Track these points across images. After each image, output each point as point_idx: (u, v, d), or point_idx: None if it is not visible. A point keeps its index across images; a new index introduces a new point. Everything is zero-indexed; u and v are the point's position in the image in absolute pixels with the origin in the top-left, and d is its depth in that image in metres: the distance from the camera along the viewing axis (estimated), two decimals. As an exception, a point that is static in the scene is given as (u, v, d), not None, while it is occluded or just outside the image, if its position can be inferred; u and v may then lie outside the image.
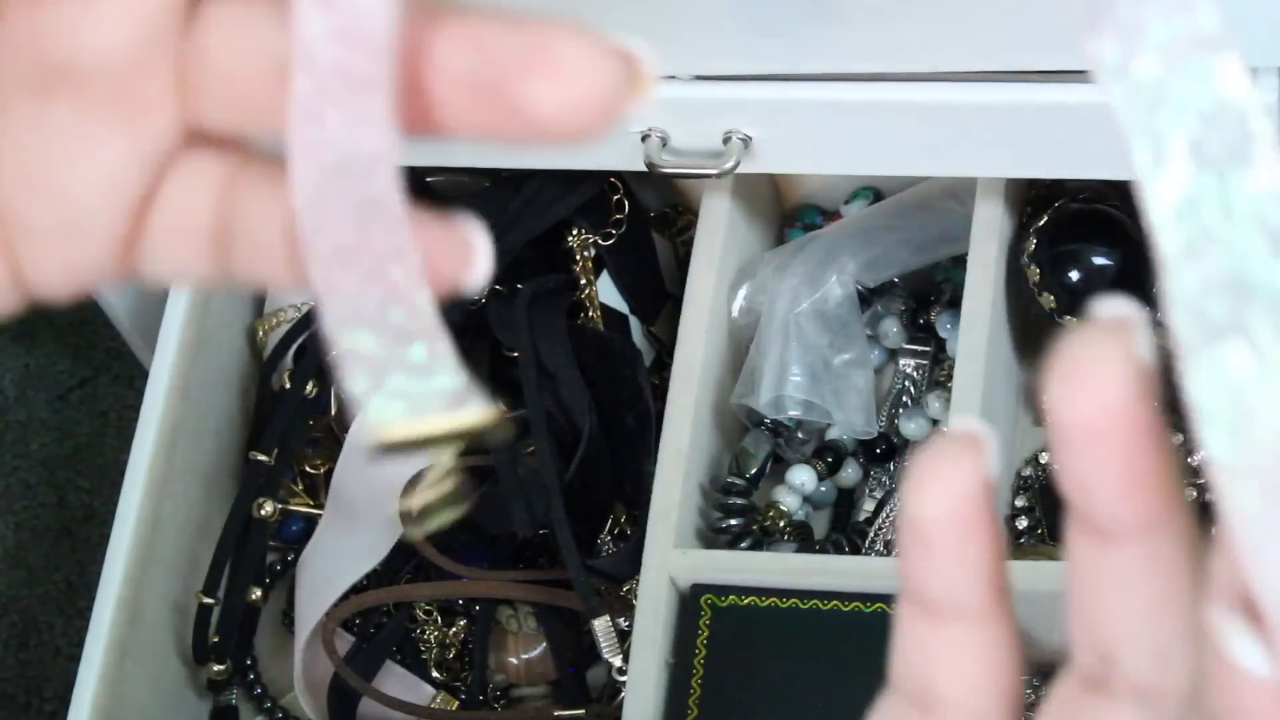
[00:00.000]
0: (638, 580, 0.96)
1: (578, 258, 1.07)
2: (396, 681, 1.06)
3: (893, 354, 1.06)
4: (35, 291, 0.39)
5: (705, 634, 0.95)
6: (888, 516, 1.03)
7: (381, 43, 0.35)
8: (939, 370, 1.05)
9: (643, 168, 0.94)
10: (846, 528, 1.04)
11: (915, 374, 1.06)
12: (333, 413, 1.10)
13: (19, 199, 0.38)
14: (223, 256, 0.38)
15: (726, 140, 0.92)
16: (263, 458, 1.08)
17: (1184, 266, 0.32)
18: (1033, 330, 1.02)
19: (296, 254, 0.36)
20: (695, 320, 0.99)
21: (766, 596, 0.95)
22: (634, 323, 1.09)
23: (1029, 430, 1.02)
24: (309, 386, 1.09)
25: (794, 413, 1.00)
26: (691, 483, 0.97)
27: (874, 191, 1.09)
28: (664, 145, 0.94)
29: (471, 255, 0.37)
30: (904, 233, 1.04)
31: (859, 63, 0.89)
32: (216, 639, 1.06)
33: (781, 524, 1.02)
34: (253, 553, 1.07)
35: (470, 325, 1.04)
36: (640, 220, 1.08)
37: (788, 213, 1.12)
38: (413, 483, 1.03)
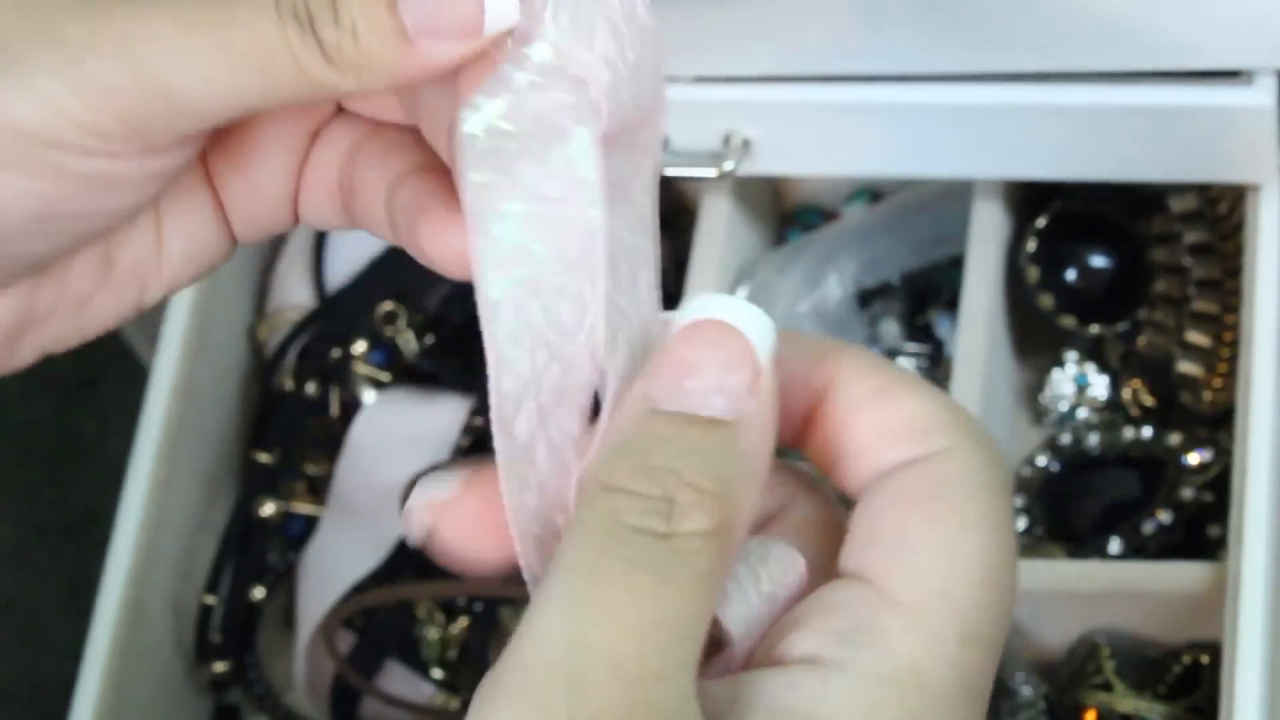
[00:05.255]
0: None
1: (578, 258, 1.07)
2: (398, 680, 1.06)
3: (892, 354, 1.06)
4: (238, 240, 0.48)
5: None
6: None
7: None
8: (937, 371, 1.05)
9: (643, 168, 0.94)
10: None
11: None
12: (334, 413, 1.10)
13: (221, 167, 0.46)
14: (347, 209, 0.47)
15: (726, 141, 0.93)
16: (265, 458, 1.09)
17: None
18: (1031, 331, 1.02)
19: (393, 218, 0.45)
20: (695, 320, 0.99)
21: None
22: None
23: (1028, 430, 1.02)
24: (311, 387, 1.09)
25: (794, 413, 1.00)
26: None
27: (873, 192, 1.09)
28: (664, 146, 0.94)
29: None
30: (903, 233, 1.05)
31: (859, 63, 0.89)
32: (218, 638, 1.07)
33: (781, 523, 1.02)
34: (254, 552, 1.08)
35: (471, 325, 1.04)
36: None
37: (787, 213, 1.12)
38: (413, 483, 1.02)
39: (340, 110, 0.47)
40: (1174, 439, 0.97)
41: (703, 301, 0.41)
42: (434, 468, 1.05)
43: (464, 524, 0.44)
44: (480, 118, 0.41)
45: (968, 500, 0.41)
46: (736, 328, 0.40)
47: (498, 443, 0.42)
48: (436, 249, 0.44)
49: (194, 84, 0.41)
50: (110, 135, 0.41)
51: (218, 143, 0.47)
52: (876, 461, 0.42)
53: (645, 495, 0.39)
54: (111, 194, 0.43)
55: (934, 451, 0.42)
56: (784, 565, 0.42)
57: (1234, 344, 0.95)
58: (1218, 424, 0.97)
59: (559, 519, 0.42)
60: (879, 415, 0.42)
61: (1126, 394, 0.99)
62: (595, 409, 0.42)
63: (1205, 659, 0.91)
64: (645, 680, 0.37)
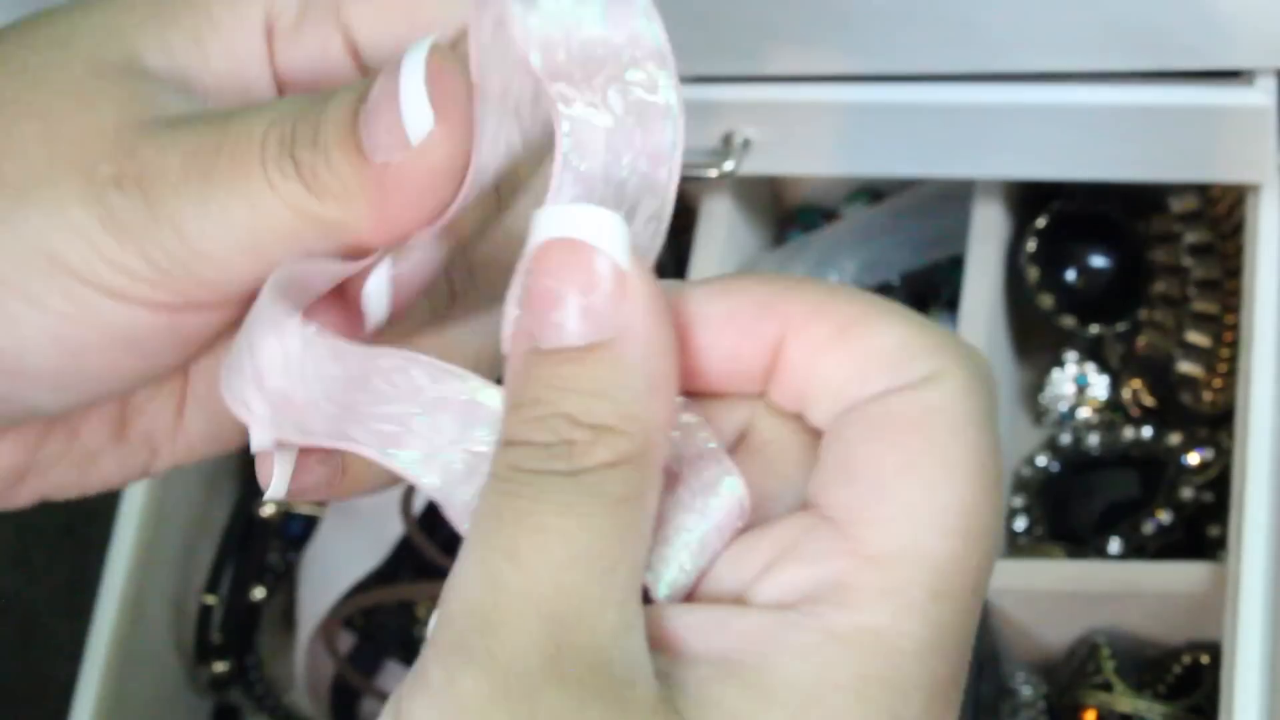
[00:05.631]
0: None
1: (578, 258, 1.07)
2: (398, 680, 1.05)
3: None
4: None
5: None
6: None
7: None
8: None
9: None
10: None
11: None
12: (334, 413, 1.10)
13: None
14: None
15: (726, 141, 0.93)
16: (264, 457, 1.09)
17: None
18: (1031, 331, 1.02)
19: None
20: (695, 320, 0.99)
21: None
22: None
23: (1028, 430, 1.02)
24: (310, 386, 1.09)
25: (794, 412, 1.01)
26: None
27: (873, 192, 1.09)
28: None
29: None
30: (903, 233, 1.05)
31: (859, 63, 0.89)
32: (218, 638, 1.07)
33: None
34: (255, 552, 1.08)
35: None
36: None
37: (787, 213, 1.12)
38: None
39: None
40: (1174, 439, 0.97)
41: (542, 219, 0.39)
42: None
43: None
44: None
45: (950, 436, 0.39)
46: (581, 240, 0.38)
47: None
48: None
49: (195, 219, 0.41)
50: (137, 276, 0.41)
51: None
52: (854, 398, 0.40)
53: (543, 444, 0.38)
54: (133, 352, 0.43)
55: (916, 379, 0.39)
56: (726, 498, 0.40)
57: (1234, 344, 0.95)
58: (1218, 424, 0.97)
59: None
60: (846, 354, 0.40)
61: (1126, 394, 0.99)
62: None
63: (1205, 659, 0.91)
64: (568, 617, 0.36)
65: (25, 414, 0.44)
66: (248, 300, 0.43)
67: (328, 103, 0.41)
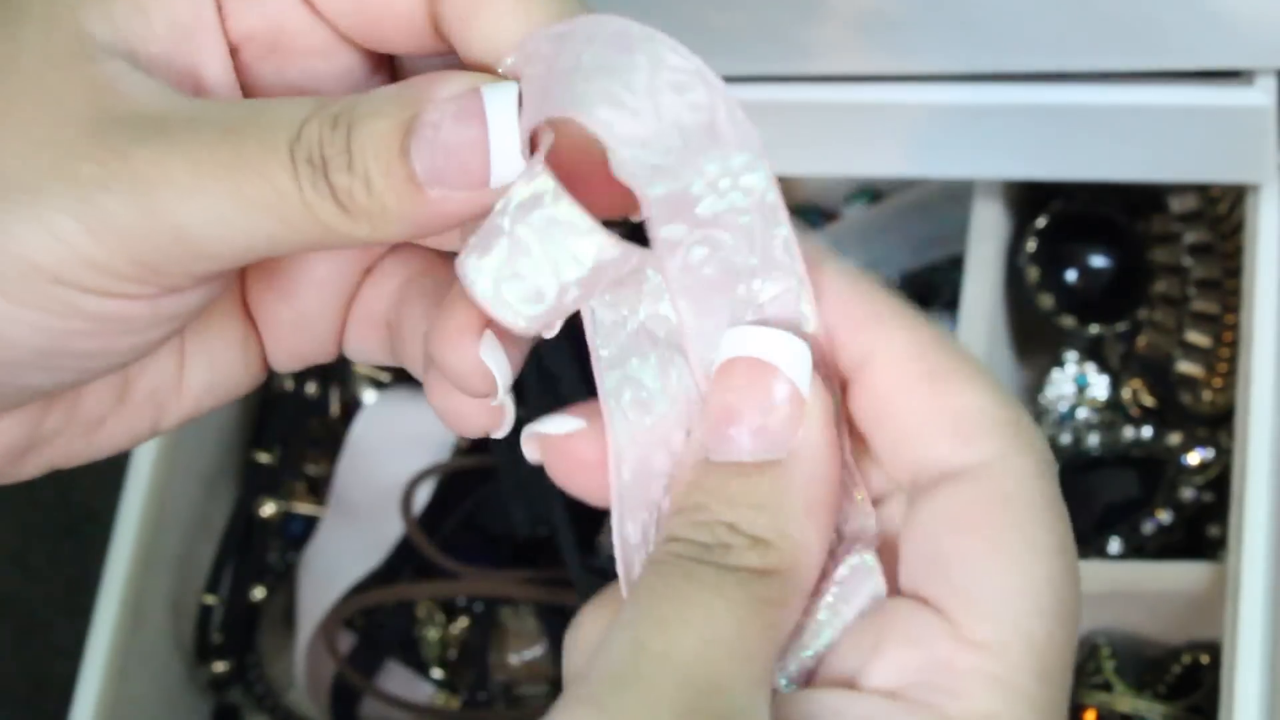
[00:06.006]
0: (638, 580, 0.96)
1: (578, 258, 1.07)
2: (398, 680, 1.06)
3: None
4: (272, 368, 0.48)
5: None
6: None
7: None
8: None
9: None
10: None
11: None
12: (334, 413, 1.10)
13: (267, 299, 0.47)
14: (394, 346, 0.47)
15: (726, 141, 0.93)
16: (265, 458, 1.09)
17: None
18: (1031, 331, 1.02)
19: (430, 359, 0.44)
20: (695, 320, 0.99)
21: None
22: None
23: (1028, 430, 1.02)
24: (311, 387, 1.09)
25: (794, 413, 1.00)
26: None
27: (873, 192, 1.09)
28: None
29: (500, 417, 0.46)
30: (903, 233, 1.05)
31: (859, 63, 0.89)
32: (218, 638, 1.07)
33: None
34: (254, 552, 1.08)
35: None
36: (641, 221, 1.08)
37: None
38: (413, 483, 1.02)
39: (395, 246, 0.47)
40: (1174, 439, 0.97)
41: (731, 337, 0.41)
42: (434, 468, 1.05)
43: (572, 460, 0.44)
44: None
45: (1032, 520, 0.40)
46: (765, 360, 0.40)
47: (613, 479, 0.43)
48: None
49: (207, 227, 0.40)
50: (123, 276, 0.41)
51: (265, 274, 0.47)
52: (921, 454, 0.41)
53: (702, 544, 0.39)
54: (121, 335, 0.42)
55: (984, 461, 0.41)
56: (866, 590, 0.42)
57: (1234, 344, 0.95)
58: (1218, 424, 0.97)
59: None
60: (927, 403, 0.41)
61: (1126, 394, 0.99)
62: None
63: (1205, 659, 0.91)
64: (704, 686, 0.38)
65: (21, 395, 0.44)
66: (227, 282, 0.44)
67: (354, 124, 0.41)
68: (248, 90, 0.45)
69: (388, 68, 0.47)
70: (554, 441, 0.44)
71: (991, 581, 0.40)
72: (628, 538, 0.42)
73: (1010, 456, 0.41)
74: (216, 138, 0.41)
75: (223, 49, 0.44)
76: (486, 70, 0.43)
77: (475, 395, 0.44)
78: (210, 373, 0.47)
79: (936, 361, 0.42)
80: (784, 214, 0.42)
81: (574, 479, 0.44)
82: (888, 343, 0.42)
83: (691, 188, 0.41)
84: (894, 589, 0.42)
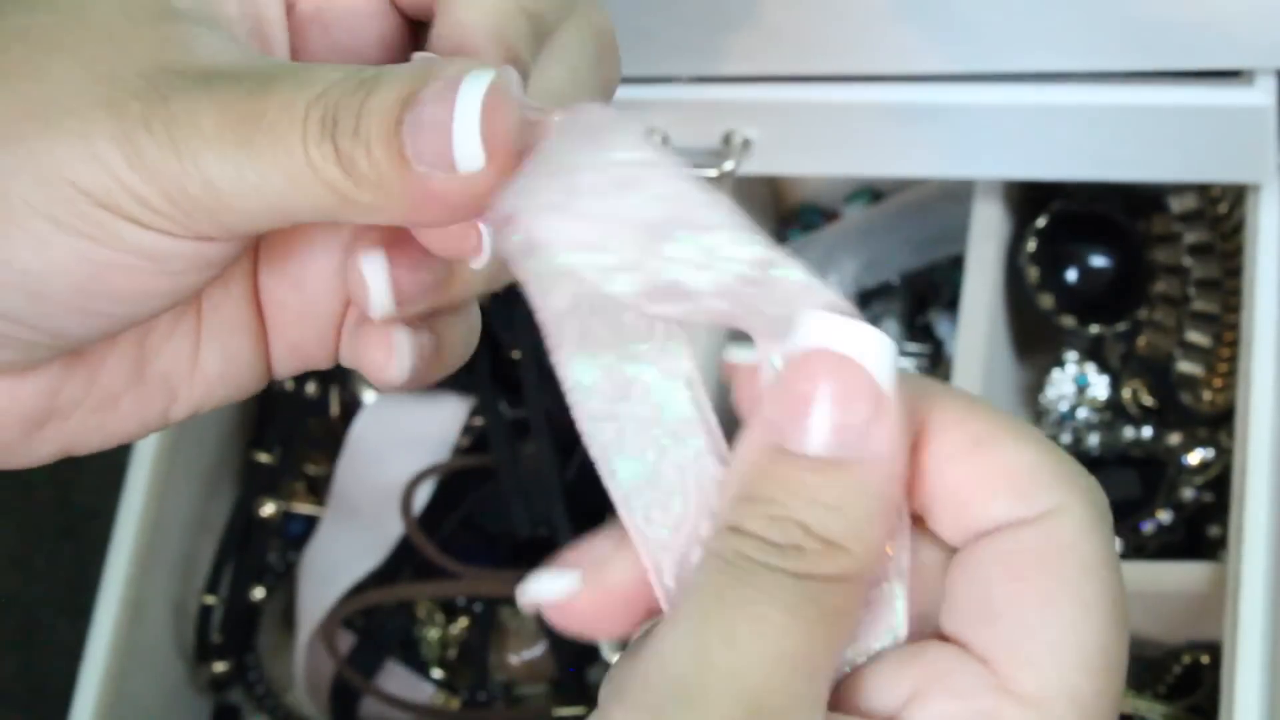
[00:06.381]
0: (638, 579, 0.96)
1: (578, 258, 1.07)
2: (397, 680, 1.06)
3: (892, 354, 1.06)
4: (273, 372, 0.48)
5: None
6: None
7: None
8: (937, 370, 1.05)
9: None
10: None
11: (914, 374, 1.06)
12: (334, 413, 1.10)
13: (277, 285, 0.47)
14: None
15: (726, 141, 0.93)
16: (265, 458, 1.09)
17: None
18: (1031, 331, 1.02)
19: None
20: (695, 320, 0.99)
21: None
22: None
23: (1028, 430, 1.02)
24: (311, 387, 1.09)
25: (794, 413, 1.00)
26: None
27: (873, 192, 1.09)
28: (664, 146, 0.94)
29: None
30: (903, 233, 1.05)
31: (859, 63, 0.89)
32: (218, 638, 1.07)
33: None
34: (254, 552, 1.08)
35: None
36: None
37: (787, 214, 1.12)
38: (413, 483, 1.02)
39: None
40: (1174, 439, 0.97)
41: (814, 323, 0.39)
42: (434, 468, 1.05)
43: (583, 616, 0.43)
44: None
45: (1084, 574, 0.40)
46: (853, 358, 0.39)
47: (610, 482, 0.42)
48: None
49: (226, 178, 0.41)
50: (158, 210, 0.42)
51: (277, 259, 0.47)
52: (977, 515, 0.41)
53: (774, 543, 0.38)
54: (156, 275, 0.43)
55: (1042, 512, 0.40)
56: (886, 622, 0.41)
57: (1234, 344, 0.95)
58: (1218, 424, 0.97)
59: (695, 554, 0.41)
60: (979, 465, 0.41)
61: (1126, 394, 0.99)
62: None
63: (1205, 659, 0.91)
64: (768, 708, 0.37)
65: (51, 343, 0.44)
66: (255, 239, 0.45)
67: (372, 92, 0.41)
68: (295, 52, 0.46)
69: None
70: (563, 608, 0.43)
71: (1041, 634, 0.39)
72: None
73: (1069, 508, 0.40)
74: (246, 91, 0.42)
75: (280, 10, 0.46)
76: (463, 48, 0.44)
77: (360, 307, 0.45)
78: (222, 361, 0.48)
79: (983, 425, 0.41)
80: (794, 265, 0.41)
81: (600, 626, 0.43)
82: (930, 415, 0.41)
83: (664, 274, 0.40)
84: (919, 631, 0.41)
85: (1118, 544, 0.94)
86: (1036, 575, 0.40)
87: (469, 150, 0.41)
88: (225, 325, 0.48)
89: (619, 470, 0.41)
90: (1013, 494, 0.40)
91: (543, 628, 1.04)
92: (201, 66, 0.42)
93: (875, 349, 0.39)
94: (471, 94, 0.41)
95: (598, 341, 0.42)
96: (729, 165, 0.92)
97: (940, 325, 1.05)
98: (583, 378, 0.42)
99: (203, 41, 0.43)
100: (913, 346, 1.06)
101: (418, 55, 0.44)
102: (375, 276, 0.45)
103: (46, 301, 0.43)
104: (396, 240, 0.45)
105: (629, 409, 0.42)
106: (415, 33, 0.47)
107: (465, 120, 0.41)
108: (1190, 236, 0.98)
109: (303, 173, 0.41)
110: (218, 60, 0.43)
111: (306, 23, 0.46)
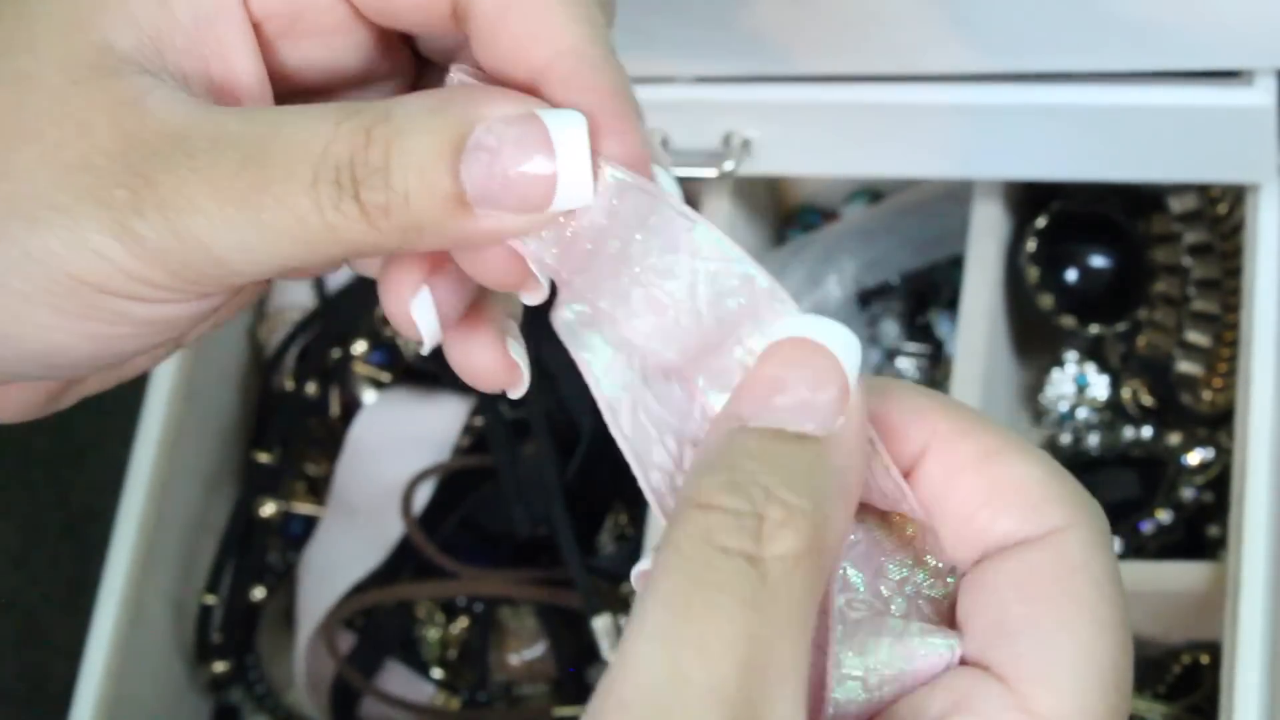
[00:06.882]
0: (638, 579, 0.96)
1: (578, 258, 1.07)
2: (398, 680, 1.06)
3: (891, 354, 1.07)
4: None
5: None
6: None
7: None
8: (937, 370, 1.05)
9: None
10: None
11: (914, 374, 1.06)
12: (334, 413, 1.10)
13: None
14: None
15: (726, 141, 0.93)
16: (265, 458, 1.09)
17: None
18: (1031, 331, 1.02)
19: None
20: (695, 320, 0.99)
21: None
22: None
23: (1028, 430, 1.02)
24: (311, 387, 1.09)
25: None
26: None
27: (873, 192, 1.09)
28: (664, 146, 0.94)
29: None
30: (903, 233, 1.05)
31: (859, 63, 0.89)
32: (218, 638, 1.07)
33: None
34: (254, 552, 1.08)
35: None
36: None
37: (787, 214, 1.12)
38: (413, 483, 1.02)
39: None
40: (1174, 439, 0.97)
41: (788, 320, 0.41)
42: (434, 468, 1.05)
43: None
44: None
45: (1096, 593, 0.40)
46: (823, 344, 0.40)
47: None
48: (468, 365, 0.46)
49: (233, 250, 0.41)
50: (161, 286, 0.42)
51: None
52: (986, 531, 0.41)
53: (734, 510, 0.38)
54: (165, 332, 0.44)
55: (1051, 530, 0.41)
56: (940, 653, 0.41)
57: (1234, 344, 0.95)
58: (1218, 424, 0.97)
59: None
60: (987, 479, 0.41)
61: (1126, 394, 0.99)
62: None
63: (1205, 659, 0.91)
64: (746, 716, 0.37)
65: (63, 380, 0.46)
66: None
67: (399, 138, 0.41)
68: (269, 68, 0.46)
69: (403, 46, 0.47)
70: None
71: (1058, 653, 0.40)
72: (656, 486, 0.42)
73: (1076, 526, 0.41)
74: (238, 162, 0.41)
75: (247, 30, 0.45)
76: (506, 80, 0.43)
77: (413, 340, 0.45)
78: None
79: (987, 440, 0.41)
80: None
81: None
82: (934, 432, 0.41)
83: (734, 355, 0.41)
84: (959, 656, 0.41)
85: (1117, 544, 0.95)
86: (1051, 595, 0.40)
87: (577, 185, 0.41)
88: None
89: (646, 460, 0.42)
90: (1021, 510, 0.41)
91: (543, 628, 1.04)
92: (166, 132, 0.42)
93: (844, 343, 0.40)
94: (573, 138, 0.41)
95: (650, 414, 0.43)
96: (729, 165, 0.92)
97: (940, 325, 1.05)
98: (641, 449, 0.43)
99: (153, 99, 0.42)
100: (913, 346, 1.06)
101: (453, 72, 0.44)
102: (425, 315, 0.45)
103: (56, 370, 0.44)
104: (435, 266, 0.45)
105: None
106: (387, 39, 0.47)
107: (574, 166, 0.41)
108: (1190, 236, 0.98)
109: (319, 236, 0.41)
110: (175, 120, 0.42)
111: (276, 39, 0.46)
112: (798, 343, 0.40)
